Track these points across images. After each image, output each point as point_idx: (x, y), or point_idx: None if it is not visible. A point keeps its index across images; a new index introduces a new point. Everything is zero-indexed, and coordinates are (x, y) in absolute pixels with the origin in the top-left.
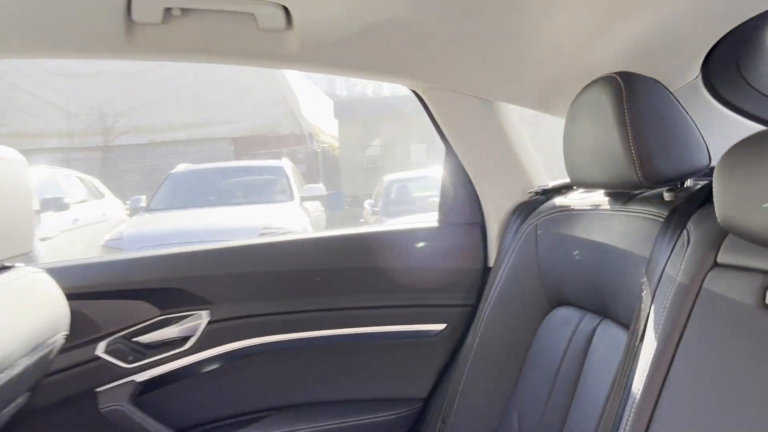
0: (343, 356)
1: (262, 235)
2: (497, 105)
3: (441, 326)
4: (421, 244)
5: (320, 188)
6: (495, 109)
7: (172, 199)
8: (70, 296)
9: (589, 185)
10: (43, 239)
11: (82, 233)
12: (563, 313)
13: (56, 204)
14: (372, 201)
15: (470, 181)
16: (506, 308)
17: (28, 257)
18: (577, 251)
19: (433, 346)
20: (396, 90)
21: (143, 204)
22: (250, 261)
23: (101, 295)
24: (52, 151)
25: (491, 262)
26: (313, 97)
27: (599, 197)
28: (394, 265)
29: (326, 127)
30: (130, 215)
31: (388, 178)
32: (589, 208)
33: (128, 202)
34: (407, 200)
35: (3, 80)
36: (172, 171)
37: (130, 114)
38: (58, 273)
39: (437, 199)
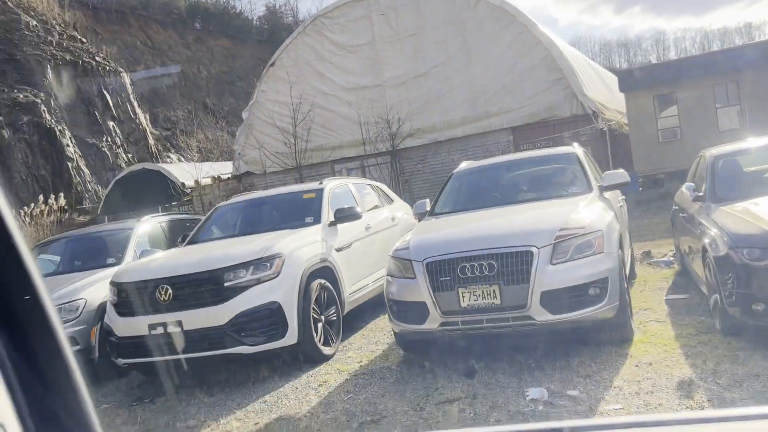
0: None
1: (558, 238)
2: None
3: None
4: None
5: (622, 174)
6: None
7: (456, 201)
8: None
9: None
10: (339, 249)
11: (374, 240)
12: None
13: (350, 214)
14: (692, 184)
15: None
16: None
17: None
18: None
19: None
20: (686, 50)
21: (428, 208)
22: None
23: None
24: (349, 160)
25: None
26: (595, 73)
27: None
28: None
29: (611, 104)
30: (418, 220)
31: (708, 152)
32: None
33: (414, 206)
34: (741, 180)
35: (307, 102)
36: (455, 171)
37: (412, 117)
38: None
39: None
